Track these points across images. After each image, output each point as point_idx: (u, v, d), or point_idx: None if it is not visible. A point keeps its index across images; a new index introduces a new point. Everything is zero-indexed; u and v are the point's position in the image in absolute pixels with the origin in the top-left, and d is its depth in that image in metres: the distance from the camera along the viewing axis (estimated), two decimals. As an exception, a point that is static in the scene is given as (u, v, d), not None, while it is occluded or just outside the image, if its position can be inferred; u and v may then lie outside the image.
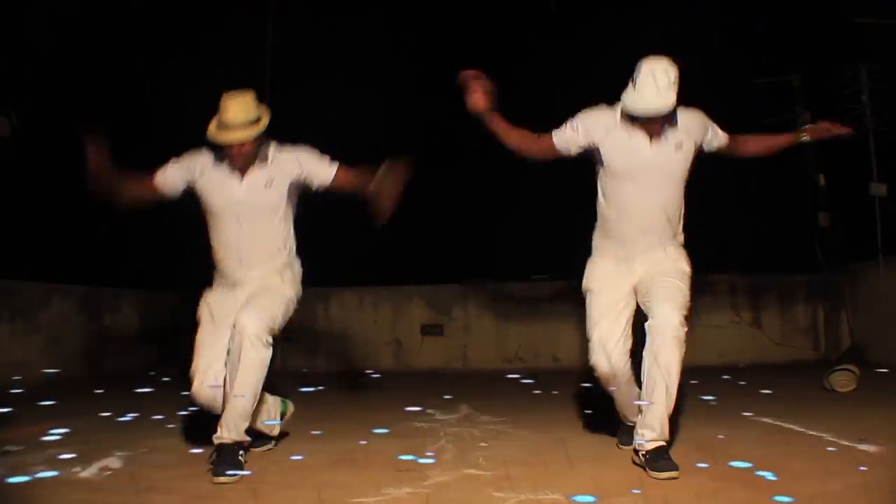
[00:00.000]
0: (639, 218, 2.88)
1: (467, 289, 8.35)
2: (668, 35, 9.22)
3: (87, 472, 2.87)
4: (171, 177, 3.08)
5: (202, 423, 3.77)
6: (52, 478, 2.79)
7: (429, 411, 4.53)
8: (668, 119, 2.78)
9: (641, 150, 2.81)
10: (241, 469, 2.75)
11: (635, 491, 2.48)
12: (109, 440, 3.53)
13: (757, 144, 3.24)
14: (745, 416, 4.03)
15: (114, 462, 3.05)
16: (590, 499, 2.33)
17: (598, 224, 3.05)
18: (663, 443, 2.72)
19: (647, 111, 2.70)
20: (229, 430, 2.83)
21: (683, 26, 9.08)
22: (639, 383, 2.85)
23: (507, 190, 9.12)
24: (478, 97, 2.89)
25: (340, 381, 6.53)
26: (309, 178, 3.11)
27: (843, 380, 5.10)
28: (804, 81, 7.89)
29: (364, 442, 3.46)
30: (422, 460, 3.02)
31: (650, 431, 2.71)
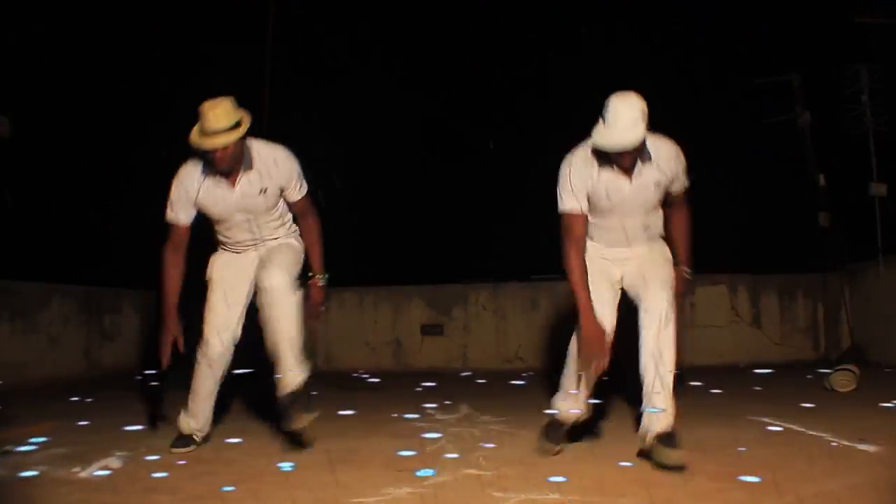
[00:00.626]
0: (620, 233, 3.11)
1: (467, 289, 8.35)
2: (668, 35, 9.24)
3: (87, 472, 2.87)
4: (184, 213, 3.25)
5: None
6: (52, 478, 2.79)
7: (429, 411, 4.53)
8: (641, 153, 2.89)
9: (622, 189, 2.96)
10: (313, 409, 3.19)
11: (635, 491, 2.48)
12: (109, 440, 3.53)
13: (677, 228, 3.29)
14: (746, 416, 4.03)
15: (114, 462, 3.05)
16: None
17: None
18: (670, 429, 2.84)
19: (616, 147, 2.80)
20: (300, 370, 3.21)
21: (684, 26, 9.09)
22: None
23: (508, 190, 9.13)
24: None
25: (340, 382, 6.53)
26: (286, 192, 3.32)
27: (843, 380, 5.10)
28: (804, 81, 7.88)
29: (364, 442, 3.46)
30: (422, 460, 3.02)
31: (657, 419, 2.86)
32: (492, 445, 3.39)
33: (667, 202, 3.17)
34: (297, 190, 3.31)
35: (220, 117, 2.96)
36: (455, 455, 3.15)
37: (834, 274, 7.72)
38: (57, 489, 2.63)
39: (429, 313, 8.34)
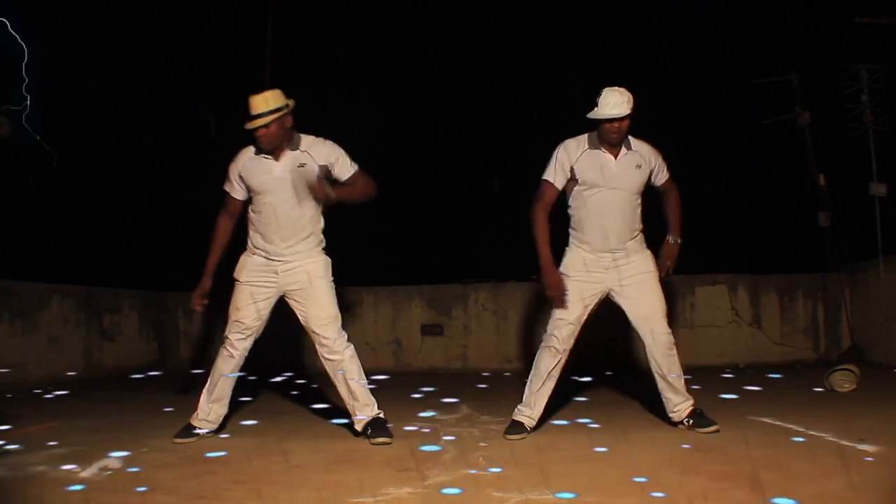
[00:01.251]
0: (604, 217, 3.55)
1: (467, 289, 8.35)
2: (669, 35, 9.24)
3: (87, 472, 2.87)
4: (238, 187, 3.62)
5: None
6: (52, 478, 2.79)
7: (429, 411, 4.53)
8: (625, 139, 3.53)
9: (609, 165, 3.54)
10: (391, 435, 3.46)
11: (635, 491, 2.48)
12: (109, 440, 3.53)
13: (669, 204, 3.77)
14: (745, 416, 4.03)
15: (114, 462, 3.05)
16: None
17: (572, 226, 3.70)
18: (690, 410, 3.62)
19: (605, 114, 3.42)
20: (370, 408, 3.56)
21: (683, 27, 9.09)
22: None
23: (508, 190, 9.12)
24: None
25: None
26: (335, 170, 3.57)
27: (843, 380, 5.10)
28: (804, 81, 7.88)
29: (364, 442, 3.46)
30: (422, 460, 3.02)
31: (681, 410, 3.62)
32: (492, 445, 3.39)
33: (658, 191, 3.72)
34: (348, 166, 3.58)
35: (260, 103, 3.40)
36: (455, 455, 3.15)
37: (834, 274, 7.72)
38: (57, 489, 2.63)
39: (429, 313, 8.34)
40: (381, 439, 3.41)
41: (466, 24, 9.98)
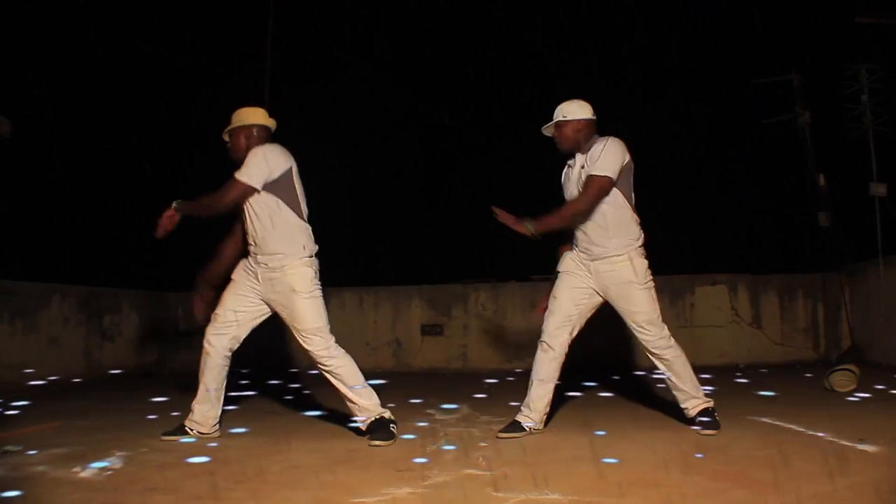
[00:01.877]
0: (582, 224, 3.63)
1: (467, 289, 8.35)
2: (669, 35, 9.24)
3: (87, 472, 2.87)
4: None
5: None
6: (52, 478, 2.79)
7: (429, 411, 4.53)
8: (589, 145, 3.58)
9: (572, 174, 3.68)
10: (390, 437, 3.43)
11: (635, 491, 2.48)
12: (109, 440, 3.53)
13: (565, 206, 3.68)
14: (745, 416, 4.03)
15: (114, 462, 3.05)
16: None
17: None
18: (699, 409, 3.59)
19: (549, 126, 3.66)
20: (370, 410, 3.49)
21: (684, 27, 9.08)
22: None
23: (507, 190, 9.12)
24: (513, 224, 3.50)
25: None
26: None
27: (843, 380, 5.10)
28: (804, 81, 7.88)
29: (363, 442, 3.46)
30: (422, 460, 3.02)
31: (691, 407, 3.61)
32: (492, 445, 3.39)
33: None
34: (238, 172, 3.49)
35: (233, 118, 3.62)
36: (455, 455, 3.15)
37: (834, 274, 7.72)
38: (57, 489, 2.62)
39: (429, 313, 8.34)
40: (377, 442, 3.38)
41: (468, 27, 9.99)
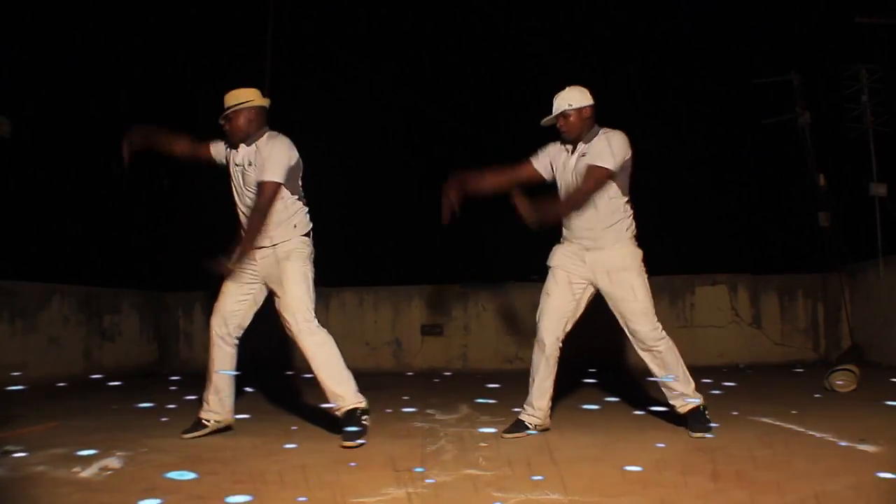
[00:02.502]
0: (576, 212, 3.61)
1: (467, 289, 8.35)
2: (669, 35, 9.24)
3: (87, 472, 2.87)
4: (220, 149, 3.76)
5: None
6: (52, 478, 2.79)
7: (429, 411, 4.53)
8: (590, 135, 3.59)
9: (565, 158, 3.68)
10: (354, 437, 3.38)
11: (635, 491, 2.48)
12: (109, 440, 3.53)
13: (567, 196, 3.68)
14: (745, 416, 4.03)
15: (114, 462, 3.05)
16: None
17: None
18: (689, 410, 3.58)
19: (549, 118, 3.63)
20: (343, 399, 3.48)
21: (684, 27, 9.07)
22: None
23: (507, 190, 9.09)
24: (456, 195, 3.71)
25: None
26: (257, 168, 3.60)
27: (843, 380, 5.10)
28: (804, 81, 7.88)
29: (364, 442, 3.46)
30: (421, 460, 3.02)
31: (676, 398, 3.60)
32: (492, 445, 3.39)
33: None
34: (264, 171, 3.51)
35: (229, 98, 3.58)
36: (455, 455, 3.15)
37: (834, 274, 7.72)
38: (57, 489, 2.62)
39: (429, 313, 8.34)
40: (347, 442, 3.35)
41: (467, 27, 9.98)
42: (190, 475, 2.77)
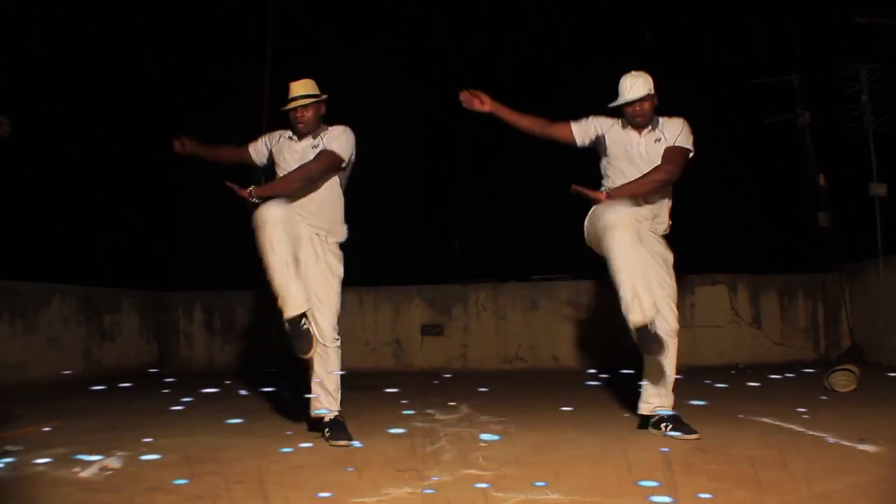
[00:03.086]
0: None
1: (467, 289, 8.35)
2: (669, 35, 9.24)
3: (87, 472, 2.87)
4: (260, 148, 3.85)
5: (202, 422, 3.78)
6: (52, 478, 2.79)
7: (429, 411, 4.53)
8: (655, 121, 3.62)
9: (633, 141, 3.63)
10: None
11: (635, 491, 2.48)
12: (109, 440, 3.53)
13: (649, 173, 3.60)
14: (746, 416, 4.03)
15: (114, 462, 3.05)
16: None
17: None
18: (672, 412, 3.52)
19: (628, 98, 3.56)
20: (331, 404, 3.55)
21: (684, 26, 9.07)
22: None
23: (508, 190, 9.13)
24: (479, 104, 3.64)
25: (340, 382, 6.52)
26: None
27: (843, 380, 5.10)
28: (804, 81, 7.88)
29: (364, 442, 3.46)
30: (421, 460, 3.02)
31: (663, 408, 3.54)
32: (492, 445, 3.39)
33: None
34: (331, 144, 3.64)
35: (300, 88, 3.66)
36: (455, 455, 3.15)
37: (834, 274, 7.72)
38: (57, 489, 2.62)
39: (429, 313, 8.34)
40: (341, 441, 3.41)
41: (469, 26, 9.98)
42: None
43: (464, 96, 3.68)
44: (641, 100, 3.54)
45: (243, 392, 5.35)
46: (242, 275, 5.82)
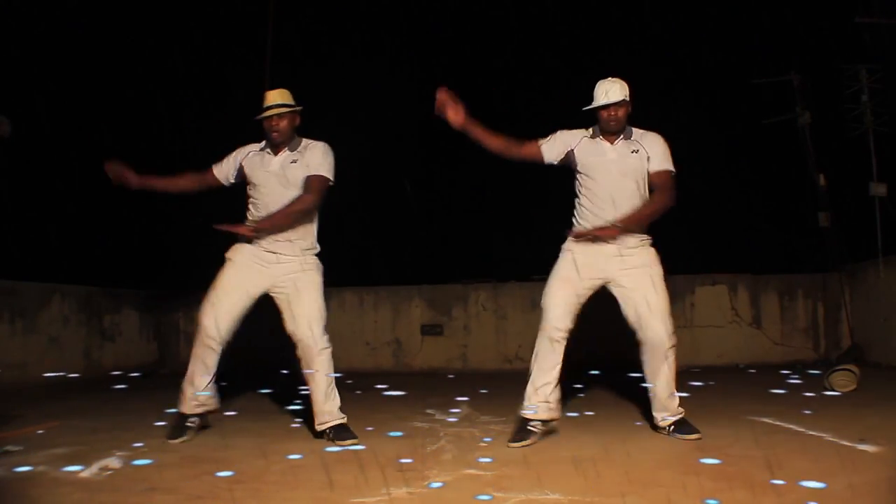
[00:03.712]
0: (603, 203, 3.50)
1: (467, 289, 8.35)
2: (669, 35, 9.24)
3: (87, 472, 2.87)
4: (226, 168, 3.72)
5: (203, 422, 3.77)
6: (52, 478, 2.79)
7: (429, 411, 4.53)
8: (629, 131, 3.54)
9: (606, 152, 3.54)
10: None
11: (635, 491, 2.48)
12: (109, 440, 3.53)
13: (644, 202, 3.57)
14: (745, 416, 4.03)
15: (114, 462, 3.05)
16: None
17: (577, 214, 3.64)
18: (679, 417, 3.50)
19: (602, 101, 3.46)
20: (332, 416, 3.53)
21: (684, 26, 9.07)
22: None
23: (507, 190, 9.12)
24: (453, 114, 3.44)
25: (340, 382, 6.52)
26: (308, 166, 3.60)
27: (843, 380, 5.10)
28: (804, 81, 7.88)
29: (364, 442, 3.46)
30: (421, 460, 3.02)
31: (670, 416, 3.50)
32: (492, 445, 3.39)
33: (651, 187, 3.56)
34: (319, 168, 3.55)
35: (276, 96, 3.57)
36: (455, 455, 3.15)
37: (834, 274, 7.72)
38: (57, 489, 2.62)
39: (429, 313, 8.34)
40: (348, 441, 3.45)
41: (469, 26, 9.98)
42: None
43: (441, 97, 3.43)
44: (617, 104, 3.44)
45: (242, 392, 5.34)
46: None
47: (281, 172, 3.56)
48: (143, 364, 8.01)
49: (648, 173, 3.51)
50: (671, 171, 3.51)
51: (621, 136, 3.52)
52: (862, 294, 7.51)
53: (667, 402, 3.49)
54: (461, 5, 9.83)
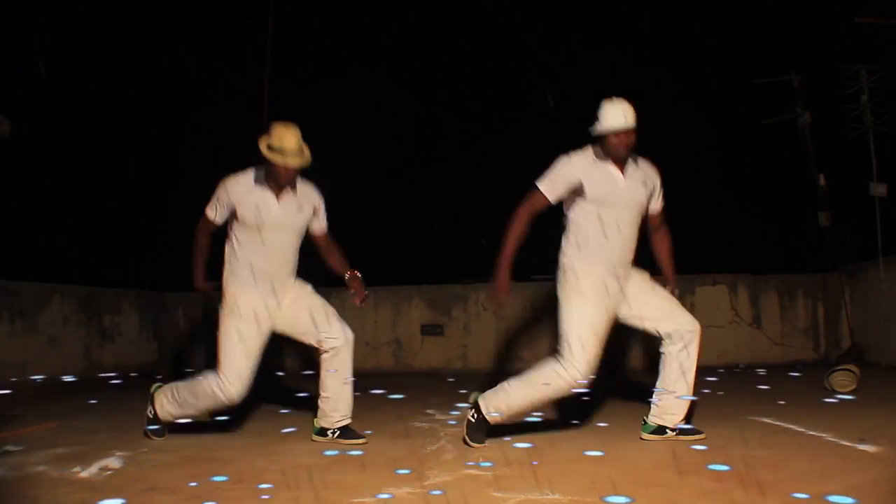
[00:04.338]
0: (612, 234, 3.34)
1: (467, 289, 8.34)
2: (669, 35, 9.24)
3: (87, 472, 2.87)
4: (221, 212, 3.51)
5: (201, 422, 3.77)
6: (52, 478, 2.79)
7: (429, 411, 4.53)
8: (634, 157, 3.37)
9: (617, 181, 3.34)
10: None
11: (635, 491, 2.48)
12: (109, 440, 3.53)
13: (662, 248, 3.64)
14: (745, 416, 4.03)
15: (114, 462, 3.05)
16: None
17: (576, 241, 3.45)
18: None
19: (616, 126, 3.25)
20: (349, 410, 3.55)
21: (684, 27, 9.07)
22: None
23: (507, 190, 9.10)
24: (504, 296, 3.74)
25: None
26: (317, 215, 3.66)
27: (843, 380, 5.10)
28: (804, 81, 7.88)
29: (364, 442, 3.46)
30: (422, 460, 3.02)
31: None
32: (492, 445, 3.39)
33: (650, 223, 3.52)
34: (322, 218, 3.67)
35: (295, 140, 3.39)
36: (455, 455, 3.15)
37: (834, 274, 7.72)
38: (57, 489, 2.62)
39: (429, 313, 8.34)
40: (351, 440, 3.48)
41: (469, 28, 9.99)
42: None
43: (495, 298, 3.76)
44: (630, 130, 3.25)
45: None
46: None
47: (285, 222, 3.48)
48: (142, 364, 8.01)
49: (648, 207, 3.44)
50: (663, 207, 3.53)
51: (629, 163, 3.34)
52: (862, 294, 7.50)
53: (679, 406, 3.47)
54: (461, 5, 9.83)
